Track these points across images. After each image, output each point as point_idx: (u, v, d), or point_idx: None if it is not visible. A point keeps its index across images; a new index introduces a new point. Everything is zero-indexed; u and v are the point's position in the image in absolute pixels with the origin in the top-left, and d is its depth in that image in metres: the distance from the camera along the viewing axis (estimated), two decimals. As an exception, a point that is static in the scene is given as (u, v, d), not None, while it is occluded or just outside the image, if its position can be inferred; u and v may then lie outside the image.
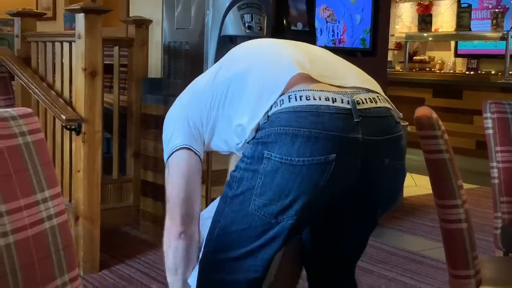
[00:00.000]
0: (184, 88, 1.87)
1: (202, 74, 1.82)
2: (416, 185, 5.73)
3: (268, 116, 1.52)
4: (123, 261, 3.54)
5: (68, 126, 3.28)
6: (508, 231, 2.52)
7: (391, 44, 8.16)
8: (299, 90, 1.51)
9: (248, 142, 1.59)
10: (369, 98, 1.54)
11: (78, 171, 3.30)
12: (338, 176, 1.49)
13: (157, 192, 3.95)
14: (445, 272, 3.40)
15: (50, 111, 3.49)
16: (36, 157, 1.57)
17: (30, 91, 3.70)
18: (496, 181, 2.57)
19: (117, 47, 4.12)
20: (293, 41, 1.77)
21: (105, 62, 3.41)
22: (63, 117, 3.24)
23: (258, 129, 1.54)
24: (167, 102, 3.82)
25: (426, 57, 9.24)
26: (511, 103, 2.62)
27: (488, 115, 2.59)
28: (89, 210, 3.30)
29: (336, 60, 1.71)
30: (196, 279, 1.72)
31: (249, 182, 1.55)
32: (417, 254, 3.82)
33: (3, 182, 1.46)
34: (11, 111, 1.59)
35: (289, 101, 1.50)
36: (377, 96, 1.57)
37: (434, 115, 1.78)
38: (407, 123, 5.37)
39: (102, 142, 3.45)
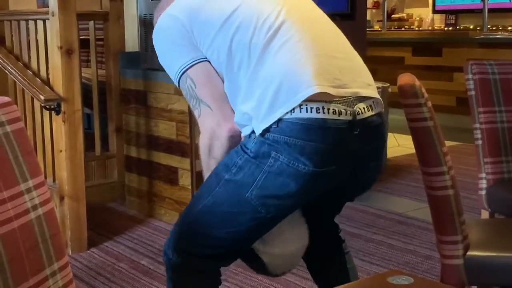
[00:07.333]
0: None
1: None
2: (399, 145, 5.74)
3: (279, 121, 1.60)
4: (111, 238, 3.53)
5: (47, 106, 3.23)
6: (493, 192, 2.54)
7: (368, 3, 8.09)
8: (310, 101, 1.59)
9: (250, 135, 1.67)
10: (367, 107, 1.67)
11: (60, 151, 3.26)
12: (334, 181, 1.71)
13: (141, 167, 3.93)
14: (432, 233, 3.44)
15: (28, 91, 3.44)
16: (17, 147, 1.53)
17: (6, 71, 3.63)
18: (480, 142, 2.58)
19: (92, 21, 4.05)
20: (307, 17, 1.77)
21: (80, 37, 3.35)
22: (42, 97, 3.19)
23: (268, 129, 1.62)
24: (146, 76, 3.77)
25: (404, 15, 9.20)
26: (492, 63, 2.62)
27: (470, 76, 2.58)
28: (73, 189, 3.28)
29: (345, 49, 1.77)
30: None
31: (251, 172, 1.65)
32: (403, 216, 3.85)
33: (-16, 175, 1.43)
34: (-12, 101, 1.55)
35: (300, 112, 1.59)
36: (373, 102, 1.70)
37: (417, 82, 1.77)
38: (388, 84, 5.28)
39: (83, 118, 3.42)
